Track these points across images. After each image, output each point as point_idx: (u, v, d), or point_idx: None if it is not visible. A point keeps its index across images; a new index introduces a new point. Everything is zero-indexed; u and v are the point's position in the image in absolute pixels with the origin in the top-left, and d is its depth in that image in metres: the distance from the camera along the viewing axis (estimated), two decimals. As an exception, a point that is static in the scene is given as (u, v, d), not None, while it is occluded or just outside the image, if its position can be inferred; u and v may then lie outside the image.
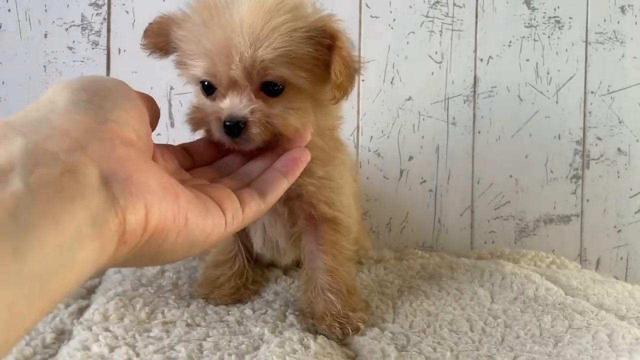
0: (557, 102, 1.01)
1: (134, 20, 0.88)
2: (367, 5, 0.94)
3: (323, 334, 0.55)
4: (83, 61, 0.88)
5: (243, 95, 0.48)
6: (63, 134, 0.30)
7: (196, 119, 0.51)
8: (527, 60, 0.99)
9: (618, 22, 1.01)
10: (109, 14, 0.88)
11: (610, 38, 1.01)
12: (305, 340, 0.51)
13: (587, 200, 1.03)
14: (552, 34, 1.00)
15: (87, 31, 0.88)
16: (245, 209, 0.41)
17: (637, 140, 1.03)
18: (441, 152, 0.98)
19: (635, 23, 1.02)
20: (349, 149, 0.70)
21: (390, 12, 0.95)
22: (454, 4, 0.96)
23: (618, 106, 1.02)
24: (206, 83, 0.51)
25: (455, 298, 0.64)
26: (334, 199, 0.58)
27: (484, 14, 0.97)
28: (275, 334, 0.53)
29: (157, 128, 0.89)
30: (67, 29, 0.88)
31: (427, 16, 0.96)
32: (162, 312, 0.57)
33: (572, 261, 0.89)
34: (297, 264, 0.71)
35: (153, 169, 0.34)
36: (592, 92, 1.02)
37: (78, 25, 0.88)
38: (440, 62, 0.97)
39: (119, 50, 0.88)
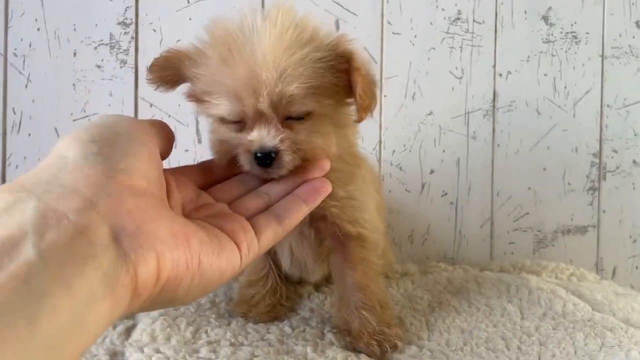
0: (574, 115, 1.02)
1: (162, 39, 0.89)
2: (389, 22, 0.95)
3: (362, 352, 0.55)
4: (111, 79, 0.89)
5: (270, 125, 0.48)
6: (73, 193, 0.31)
7: (222, 152, 0.51)
8: (545, 75, 1.00)
9: (633, 37, 1.02)
10: (136, 32, 0.90)
11: (625, 52, 1.02)
12: (349, 359, 0.53)
13: (604, 211, 1.04)
14: (569, 49, 1.01)
15: (115, 50, 0.89)
16: (261, 237, 0.42)
17: (652, 153, 1.05)
18: (461, 165, 0.99)
19: (650, 37, 1.03)
20: (370, 161, 0.71)
21: (412, 28, 0.96)
22: (474, 20, 0.97)
23: (633, 119, 1.03)
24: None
25: (486, 314, 0.65)
26: (357, 216, 0.58)
27: (502, 30, 0.98)
28: (317, 352, 0.54)
29: (185, 144, 0.92)
30: (95, 48, 0.89)
31: (447, 32, 0.97)
32: (206, 332, 0.59)
33: (591, 272, 0.90)
34: (327, 280, 0.72)
35: (164, 216, 0.35)
36: (608, 106, 1.02)
37: (106, 44, 0.89)
38: (461, 78, 0.98)
39: (147, 68, 0.89)
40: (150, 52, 0.89)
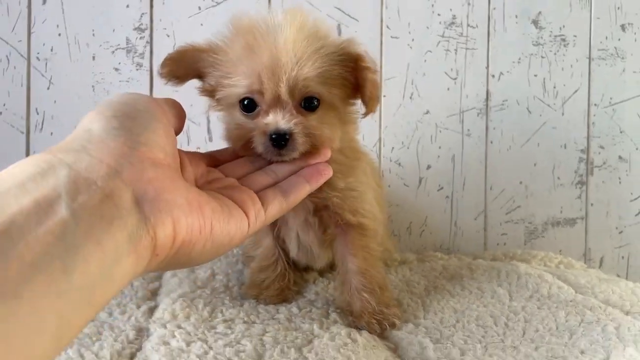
0: (563, 114, 1.05)
1: (175, 43, 0.94)
2: (388, 27, 1.00)
3: (364, 329, 0.60)
4: (128, 81, 0.94)
5: (285, 110, 0.53)
6: (100, 162, 0.33)
7: (238, 135, 0.54)
8: (535, 75, 1.04)
9: (619, 40, 1.06)
10: (151, 37, 0.95)
11: (611, 54, 1.06)
12: (352, 334, 0.57)
13: (591, 204, 1.07)
14: (558, 51, 1.04)
15: (131, 53, 0.95)
16: (267, 208, 0.45)
17: (637, 149, 1.07)
18: (457, 161, 1.03)
19: (635, 40, 1.06)
20: (371, 156, 0.74)
21: (409, 32, 1.01)
22: (468, 25, 1.02)
23: (619, 117, 1.07)
24: (246, 102, 0.54)
25: (478, 297, 0.70)
26: (357, 206, 0.62)
27: (495, 34, 1.03)
28: (323, 329, 0.59)
29: (197, 142, 0.97)
30: (113, 52, 0.94)
31: (443, 36, 1.02)
32: (222, 311, 0.63)
33: (578, 261, 0.94)
34: (331, 267, 0.77)
35: (180, 186, 0.38)
36: (595, 105, 1.06)
37: (123, 48, 0.95)
38: (456, 79, 1.02)
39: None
40: (164, 56, 0.94)
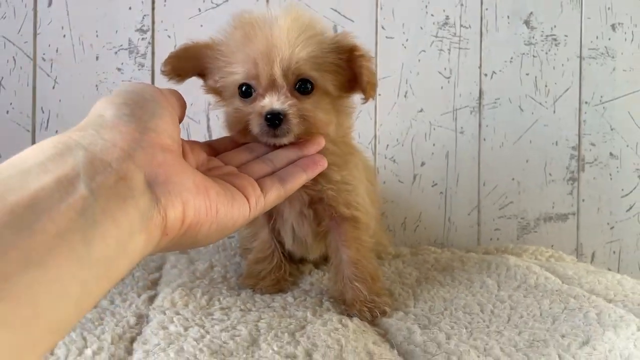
0: (554, 112, 1.07)
1: (175, 44, 0.97)
2: (382, 28, 1.02)
3: (355, 317, 0.62)
4: (130, 81, 0.97)
5: (280, 93, 0.55)
6: (113, 145, 0.35)
7: (237, 118, 0.56)
8: (527, 74, 1.06)
9: (609, 39, 1.08)
10: (153, 38, 0.98)
11: (602, 53, 1.08)
12: (343, 320, 0.59)
13: (583, 200, 1.09)
14: (549, 51, 1.06)
15: (134, 54, 0.97)
16: (267, 195, 0.47)
17: (627, 146, 1.09)
18: (450, 158, 1.05)
19: (625, 39, 1.08)
20: (365, 153, 0.76)
21: (404, 33, 1.03)
22: (461, 25, 1.04)
23: (610, 115, 1.09)
24: (244, 88, 0.57)
25: (467, 286, 0.72)
26: (351, 200, 0.64)
27: (487, 34, 1.05)
28: (316, 316, 0.60)
29: (197, 139, 0.99)
30: (116, 52, 0.97)
31: (436, 36, 1.04)
32: (219, 300, 0.65)
33: (569, 255, 0.95)
34: (325, 259, 0.78)
35: (187, 170, 0.39)
36: (586, 103, 1.08)
37: (126, 49, 0.97)
38: (449, 77, 1.05)
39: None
40: (165, 56, 0.97)
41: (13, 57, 0.95)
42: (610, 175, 1.10)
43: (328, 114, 0.59)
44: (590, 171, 1.10)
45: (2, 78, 0.96)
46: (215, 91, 0.62)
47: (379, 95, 1.03)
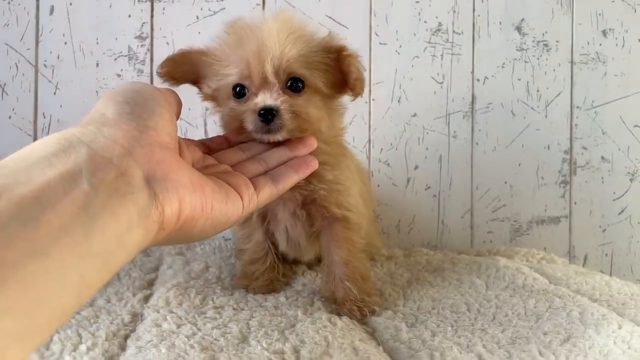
0: (546, 116, 1.08)
1: (174, 50, 0.98)
2: (376, 34, 1.04)
3: (346, 316, 0.63)
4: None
5: (273, 91, 0.57)
6: (114, 143, 0.36)
7: (232, 117, 0.58)
8: (519, 79, 1.07)
9: (600, 44, 1.09)
10: (151, 45, 1.00)
11: (593, 59, 1.09)
12: (332, 319, 0.60)
13: (575, 203, 1.10)
14: (540, 56, 1.07)
15: (133, 60, 1.00)
16: (259, 194, 0.48)
17: (619, 149, 1.10)
18: (443, 161, 1.06)
19: (616, 45, 1.09)
20: (358, 156, 0.78)
21: (397, 39, 1.05)
22: (453, 31, 1.06)
23: (601, 119, 1.09)
24: (238, 89, 0.59)
25: (456, 287, 0.73)
26: (342, 200, 0.65)
27: (479, 40, 1.06)
28: (307, 315, 0.61)
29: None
30: (115, 59, 0.99)
31: (429, 42, 1.05)
32: (212, 299, 0.66)
33: (561, 257, 0.96)
34: (319, 260, 0.79)
35: (184, 167, 0.40)
36: (577, 107, 1.09)
37: (125, 56, 0.99)
38: (442, 83, 1.06)
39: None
40: (163, 62, 1.00)
41: (15, 63, 0.97)
42: (602, 178, 1.11)
43: (320, 110, 0.61)
44: (582, 174, 1.10)
45: (5, 84, 0.98)
46: (211, 97, 0.64)
47: (373, 100, 1.04)
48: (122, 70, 0.99)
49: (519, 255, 0.96)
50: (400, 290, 0.73)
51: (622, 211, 1.12)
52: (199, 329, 0.57)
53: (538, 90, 1.08)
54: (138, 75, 0.99)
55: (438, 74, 1.06)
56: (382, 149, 1.06)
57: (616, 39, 1.10)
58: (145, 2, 0.99)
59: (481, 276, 0.78)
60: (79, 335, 0.55)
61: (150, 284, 0.74)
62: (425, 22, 1.05)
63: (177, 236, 0.41)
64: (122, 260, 0.34)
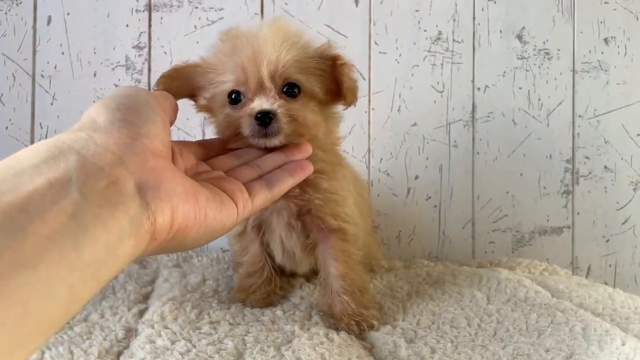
0: (548, 125, 1.07)
1: (172, 60, 0.99)
2: (375, 43, 1.04)
3: (343, 331, 0.62)
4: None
5: (269, 96, 0.57)
6: (105, 150, 0.35)
7: (228, 123, 0.58)
8: (520, 88, 1.07)
9: (602, 53, 1.08)
10: (149, 55, 1.00)
11: (595, 67, 1.08)
12: (330, 334, 0.59)
13: (578, 213, 1.09)
14: (542, 65, 1.07)
15: (130, 70, 0.99)
16: (254, 199, 0.47)
17: (621, 159, 1.09)
18: (444, 171, 1.06)
19: (618, 53, 1.09)
20: (356, 167, 0.77)
21: (397, 48, 1.04)
22: (454, 40, 1.05)
23: (604, 128, 1.09)
24: (233, 96, 0.58)
25: (456, 300, 0.72)
26: (339, 211, 0.64)
27: (480, 48, 1.06)
28: (304, 330, 0.61)
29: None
30: (113, 69, 0.99)
31: (429, 51, 1.05)
32: (208, 314, 0.65)
33: (564, 269, 0.95)
34: (316, 273, 0.77)
35: (177, 175, 0.40)
36: (579, 116, 1.08)
37: (123, 66, 0.99)
38: (442, 92, 1.05)
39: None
40: (161, 72, 0.99)
41: (12, 74, 0.97)
42: (605, 188, 1.10)
43: (316, 115, 0.60)
44: (585, 184, 1.09)
45: (2, 94, 0.98)
46: (207, 109, 0.64)
47: (373, 109, 1.04)
48: (119, 80, 0.99)
49: (521, 266, 0.95)
50: (399, 304, 0.72)
51: (626, 221, 1.11)
52: (194, 345, 0.57)
53: (539, 99, 1.08)
54: (136, 85, 0.99)
55: (438, 83, 1.06)
56: (381, 159, 1.05)
57: (618, 47, 1.10)
58: (143, 11, 0.99)
59: (482, 289, 0.77)
60: (71, 352, 0.54)
61: (146, 297, 0.73)
62: (425, 30, 1.05)
63: (170, 245, 0.40)
64: (113, 271, 0.33)
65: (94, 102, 0.98)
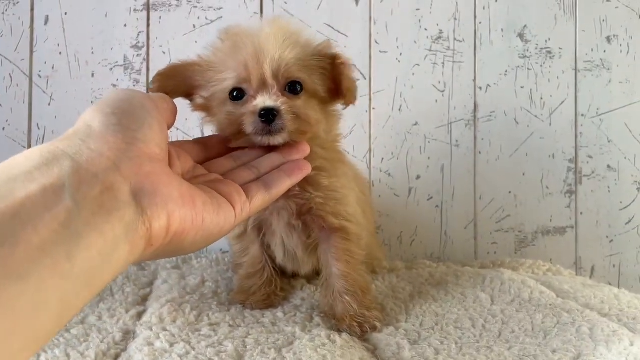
0: (550, 124, 1.07)
1: (170, 60, 0.98)
2: (376, 42, 1.03)
3: (346, 332, 0.61)
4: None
5: (272, 93, 0.56)
6: (100, 156, 0.35)
7: (230, 120, 0.57)
8: (522, 87, 1.06)
9: (604, 51, 1.08)
10: (148, 55, 0.99)
11: (597, 65, 1.08)
12: (332, 336, 0.59)
13: (581, 213, 1.08)
14: (544, 63, 1.06)
15: (129, 70, 0.99)
16: (252, 201, 0.47)
17: (625, 158, 1.09)
18: (446, 171, 1.05)
19: (620, 51, 1.08)
20: (359, 166, 0.77)
21: (397, 47, 1.04)
22: (455, 39, 1.05)
23: (607, 127, 1.08)
24: (235, 93, 0.57)
25: (460, 301, 0.71)
26: (340, 209, 0.63)
27: (481, 47, 1.05)
28: (305, 332, 0.60)
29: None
30: (111, 69, 0.98)
31: (430, 50, 1.05)
32: (208, 315, 0.64)
33: (567, 269, 0.94)
34: (317, 274, 0.76)
35: (174, 180, 0.39)
36: (582, 115, 1.07)
37: (121, 65, 0.99)
38: (443, 91, 1.05)
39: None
40: (159, 72, 0.99)
41: (9, 74, 0.96)
42: (609, 187, 1.09)
43: (318, 113, 0.60)
44: (588, 184, 1.09)
45: (-1, 95, 0.97)
46: (204, 108, 0.62)
47: (374, 109, 1.03)
48: (117, 80, 0.98)
49: (525, 267, 0.94)
50: (402, 305, 0.71)
51: (630, 221, 1.10)
52: (193, 348, 0.56)
53: (542, 98, 1.07)
54: (134, 85, 0.98)
55: (439, 82, 1.05)
56: (383, 159, 1.04)
57: (620, 45, 1.09)
58: (142, 11, 0.98)
59: (486, 289, 0.76)
60: (67, 355, 0.53)
61: (145, 299, 0.72)
62: (425, 29, 1.04)
63: (167, 250, 0.39)
64: (107, 278, 0.33)
65: (92, 102, 0.98)
